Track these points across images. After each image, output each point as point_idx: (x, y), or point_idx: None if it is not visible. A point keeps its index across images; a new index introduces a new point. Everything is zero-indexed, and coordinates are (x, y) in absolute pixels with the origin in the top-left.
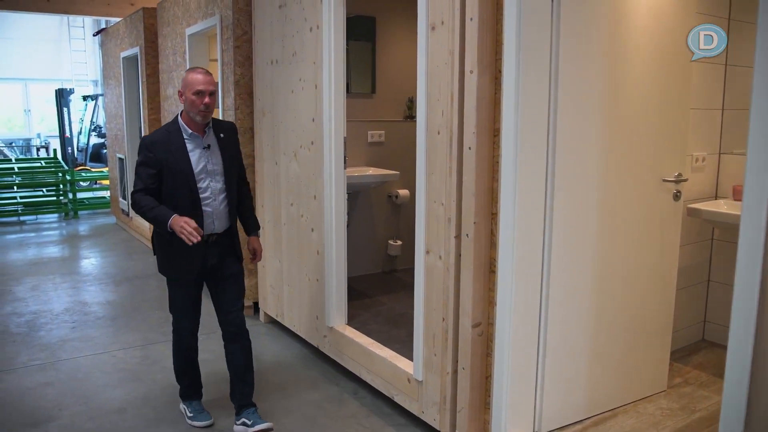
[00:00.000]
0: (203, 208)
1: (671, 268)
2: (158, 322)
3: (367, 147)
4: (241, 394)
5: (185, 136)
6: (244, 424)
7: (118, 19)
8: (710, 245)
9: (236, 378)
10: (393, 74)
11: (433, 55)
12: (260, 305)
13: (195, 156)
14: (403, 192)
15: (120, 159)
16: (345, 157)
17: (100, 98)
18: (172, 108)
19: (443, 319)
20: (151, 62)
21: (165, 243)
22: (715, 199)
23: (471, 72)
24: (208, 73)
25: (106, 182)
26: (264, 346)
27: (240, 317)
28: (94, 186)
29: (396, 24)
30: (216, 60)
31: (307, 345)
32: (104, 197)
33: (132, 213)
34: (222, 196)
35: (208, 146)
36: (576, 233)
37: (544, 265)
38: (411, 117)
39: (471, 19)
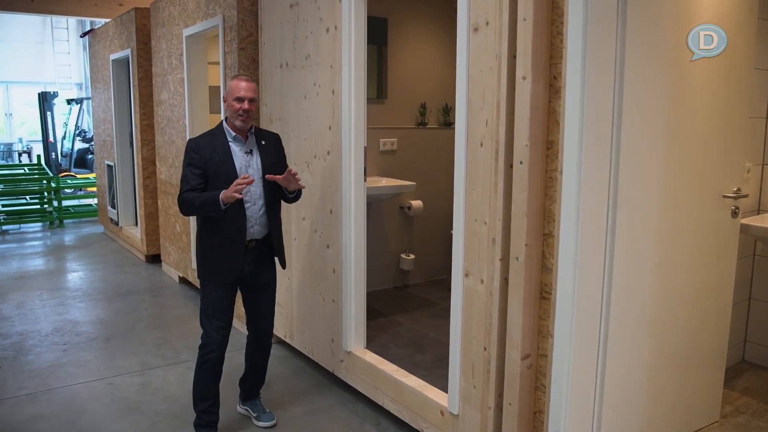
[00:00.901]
0: (244, 210)
1: (728, 290)
2: (156, 344)
3: (379, 156)
4: (251, 385)
5: (229, 138)
6: (248, 411)
7: (104, 21)
8: (752, 261)
9: (251, 372)
10: (405, 79)
11: (475, 59)
12: None
13: (238, 158)
14: (416, 203)
15: (109, 166)
16: (365, 167)
17: (86, 102)
18: (166, 113)
19: (485, 349)
20: (143, 65)
21: (208, 245)
22: (758, 213)
23: (524, 78)
24: (250, 80)
25: (93, 189)
26: (274, 369)
27: (271, 324)
28: (79, 193)
29: (409, 26)
30: (216, 63)
31: (320, 369)
32: (91, 205)
33: (123, 222)
34: (261, 201)
35: (251, 151)
36: (636, 256)
37: (604, 291)
38: (423, 124)
39: (524, 19)
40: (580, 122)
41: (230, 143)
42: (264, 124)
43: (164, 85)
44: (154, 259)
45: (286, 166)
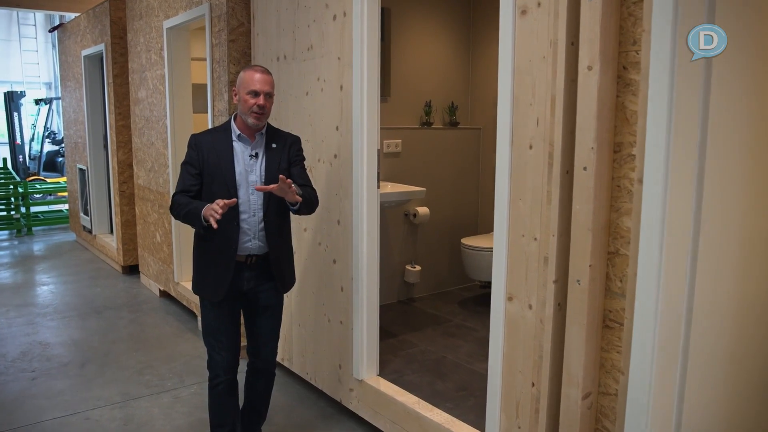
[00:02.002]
0: (240, 223)
1: None
2: (138, 369)
3: (382, 158)
4: (250, 423)
5: (234, 137)
6: None
7: (74, 15)
8: None
9: (250, 406)
10: (409, 75)
11: (523, 47)
12: None
13: (240, 162)
14: (423, 210)
15: (81, 170)
16: (378, 172)
17: (55, 102)
18: (144, 113)
19: (533, 385)
20: (118, 61)
21: (198, 257)
22: None
23: (589, 68)
24: (267, 72)
25: (63, 194)
26: (273, 396)
27: (272, 353)
28: (49, 198)
29: (414, 17)
30: (198, 59)
31: (324, 397)
32: (61, 210)
33: (97, 230)
34: (261, 213)
35: (256, 154)
36: (716, 279)
37: (684, 319)
38: (429, 124)
39: None
40: (668, 121)
41: (234, 143)
42: None
43: (142, 83)
44: (132, 270)
45: (300, 170)
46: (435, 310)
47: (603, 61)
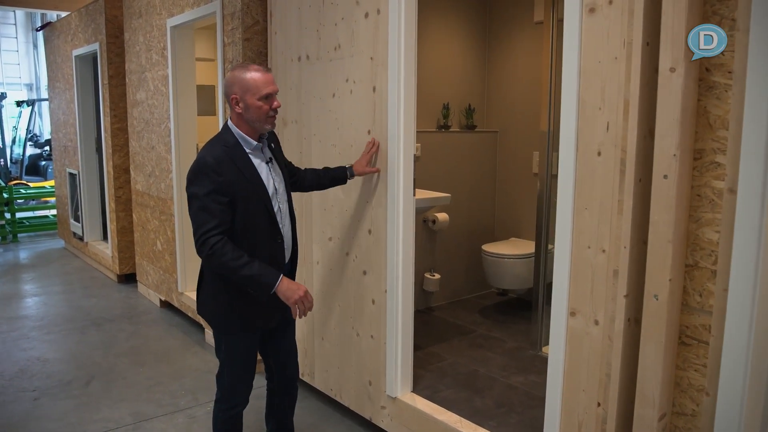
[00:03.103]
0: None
1: None
2: (147, 386)
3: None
4: None
5: (248, 149)
6: None
7: (60, 14)
8: None
9: (280, 426)
10: (425, 76)
11: (591, 47)
12: None
13: (263, 174)
14: (442, 216)
15: (71, 174)
16: (414, 179)
17: (38, 104)
18: (144, 115)
19: (599, 405)
20: (114, 61)
21: (225, 287)
22: None
23: (672, 70)
24: (267, 69)
25: (49, 199)
26: (296, 417)
27: (296, 366)
28: (32, 203)
29: (430, 16)
30: (201, 60)
31: (349, 413)
32: (47, 216)
33: (89, 237)
34: (287, 219)
35: (271, 159)
36: None
37: None
38: (446, 127)
39: None
40: (766, 128)
41: (249, 155)
42: (276, 128)
43: (141, 84)
44: (128, 278)
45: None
46: (456, 320)
47: (687, 62)
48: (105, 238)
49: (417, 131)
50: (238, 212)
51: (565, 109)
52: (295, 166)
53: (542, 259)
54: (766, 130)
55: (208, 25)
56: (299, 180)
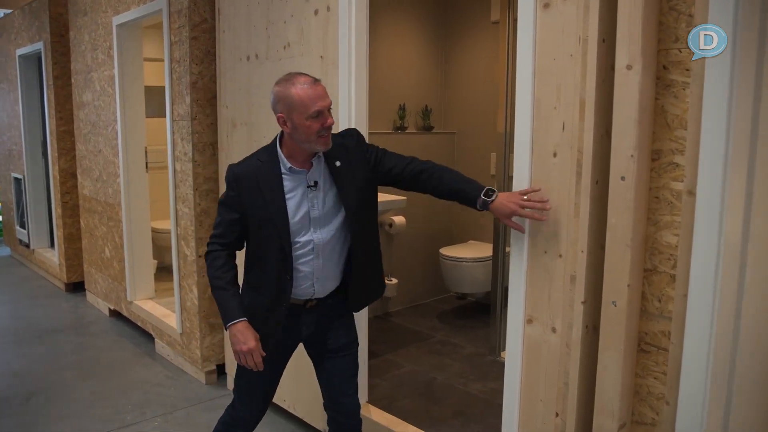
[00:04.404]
0: (298, 268)
1: None
2: (92, 401)
3: None
4: None
5: (283, 170)
6: None
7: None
8: None
9: None
10: (381, 77)
11: (546, 44)
12: (228, 370)
13: (294, 200)
14: (399, 219)
15: (16, 179)
16: None
17: None
18: (90, 117)
19: (557, 415)
20: (59, 61)
21: (245, 300)
22: None
23: (629, 68)
24: (316, 79)
25: None
26: None
27: (354, 404)
28: None
29: (383, 15)
30: (150, 60)
31: (305, 427)
32: None
33: (35, 244)
34: (330, 249)
35: (315, 184)
36: (762, 297)
37: (731, 344)
38: (402, 128)
39: None
40: (726, 129)
41: (284, 176)
42: (223, 130)
43: (87, 85)
44: (76, 287)
45: (387, 168)
46: (415, 326)
47: (644, 60)
48: (52, 245)
49: (372, 132)
50: (251, 235)
51: (519, 109)
52: (410, 163)
53: (500, 263)
54: (725, 129)
55: (157, 24)
56: (404, 181)
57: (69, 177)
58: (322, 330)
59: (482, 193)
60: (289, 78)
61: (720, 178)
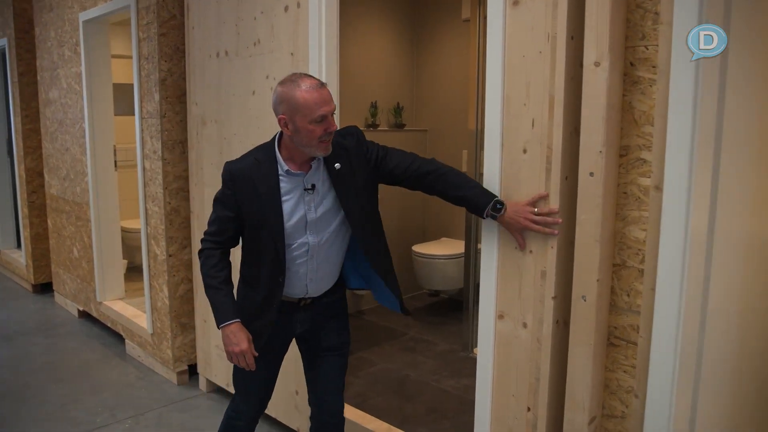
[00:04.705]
0: (291, 269)
1: None
2: (62, 404)
3: None
4: None
5: (281, 172)
6: None
7: None
8: None
9: None
10: (352, 74)
11: (516, 41)
12: (200, 370)
13: (290, 203)
14: None
15: None
16: None
17: None
18: (57, 115)
19: (528, 409)
20: (24, 57)
21: (239, 296)
22: None
23: (597, 65)
24: (321, 83)
25: None
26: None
27: (339, 403)
28: None
29: (354, 13)
30: (119, 57)
31: (278, 426)
32: None
33: (1, 245)
34: (326, 250)
35: (312, 187)
36: (727, 290)
37: (698, 338)
38: (374, 126)
39: None
40: (692, 125)
41: (281, 178)
42: (193, 128)
43: (54, 82)
44: (44, 288)
45: (389, 169)
46: (387, 323)
47: (612, 57)
48: (19, 245)
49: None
50: (245, 234)
51: (490, 106)
52: (413, 162)
53: (472, 260)
54: (691, 125)
55: (124, 20)
56: (408, 181)
57: (35, 176)
58: (316, 328)
59: (490, 206)
60: (294, 79)
61: (686, 174)
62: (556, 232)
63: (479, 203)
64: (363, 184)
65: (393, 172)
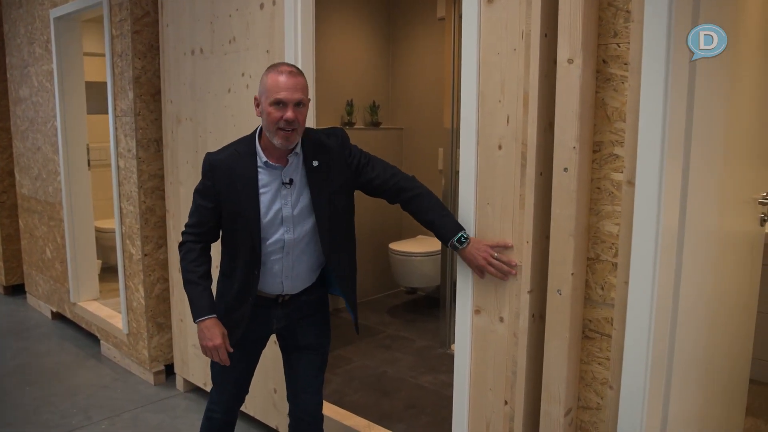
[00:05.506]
0: (267, 264)
1: (754, 303)
2: (35, 407)
3: None
4: None
5: (259, 164)
6: None
7: None
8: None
9: None
10: (328, 72)
11: (490, 38)
12: (177, 370)
13: (268, 196)
14: None
15: None
16: None
17: None
18: (28, 114)
19: (506, 403)
20: None
21: (217, 290)
22: None
23: (570, 62)
24: (297, 72)
25: None
26: (190, 424)
27: (315, 402)
28: None
29: (330, 11)
30: (91, 55)
31: (256, 424)
32: None
33: None
34: (301, 249)
35: (290, 182)
36: (696, 285)
37: (670, 326)
38: (350, 124)
39: None
40: (663, 121)
41: (259, 170)
42: (168, 126)
43: (24, 80)
44: (15, 290)
45: (369, 178)
46: (365, 321)
47: (585, 54)
48: None
49: (320, 128)
50: (223, 224)
51: (465, 103)
52: (393, 176)
53: (449, 257)
54: (662, 121)
55: (97, 17)
56: (385, 194)
57: (6, 175)
58: (293, 326)
59: (455, 238)
60: (276, 64)
61: (657, 169)
62: (507, 279)
63: (446, 233)
64: (338, 187)
65: (372, 181)
